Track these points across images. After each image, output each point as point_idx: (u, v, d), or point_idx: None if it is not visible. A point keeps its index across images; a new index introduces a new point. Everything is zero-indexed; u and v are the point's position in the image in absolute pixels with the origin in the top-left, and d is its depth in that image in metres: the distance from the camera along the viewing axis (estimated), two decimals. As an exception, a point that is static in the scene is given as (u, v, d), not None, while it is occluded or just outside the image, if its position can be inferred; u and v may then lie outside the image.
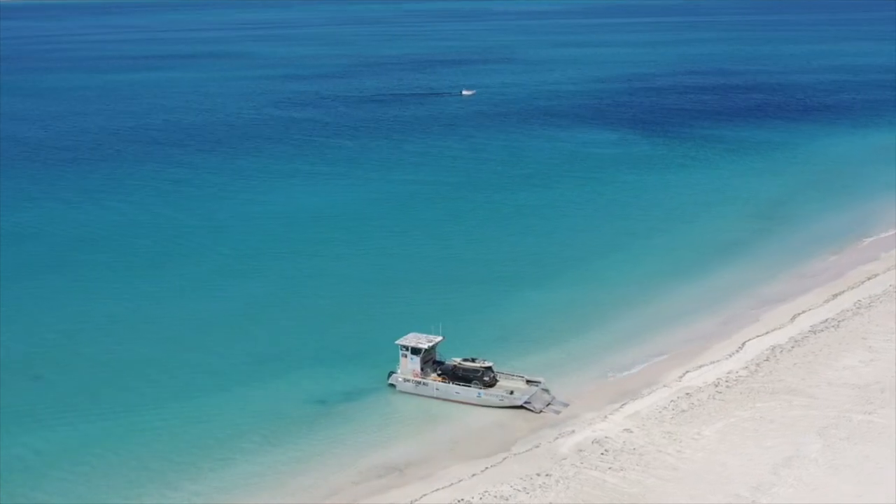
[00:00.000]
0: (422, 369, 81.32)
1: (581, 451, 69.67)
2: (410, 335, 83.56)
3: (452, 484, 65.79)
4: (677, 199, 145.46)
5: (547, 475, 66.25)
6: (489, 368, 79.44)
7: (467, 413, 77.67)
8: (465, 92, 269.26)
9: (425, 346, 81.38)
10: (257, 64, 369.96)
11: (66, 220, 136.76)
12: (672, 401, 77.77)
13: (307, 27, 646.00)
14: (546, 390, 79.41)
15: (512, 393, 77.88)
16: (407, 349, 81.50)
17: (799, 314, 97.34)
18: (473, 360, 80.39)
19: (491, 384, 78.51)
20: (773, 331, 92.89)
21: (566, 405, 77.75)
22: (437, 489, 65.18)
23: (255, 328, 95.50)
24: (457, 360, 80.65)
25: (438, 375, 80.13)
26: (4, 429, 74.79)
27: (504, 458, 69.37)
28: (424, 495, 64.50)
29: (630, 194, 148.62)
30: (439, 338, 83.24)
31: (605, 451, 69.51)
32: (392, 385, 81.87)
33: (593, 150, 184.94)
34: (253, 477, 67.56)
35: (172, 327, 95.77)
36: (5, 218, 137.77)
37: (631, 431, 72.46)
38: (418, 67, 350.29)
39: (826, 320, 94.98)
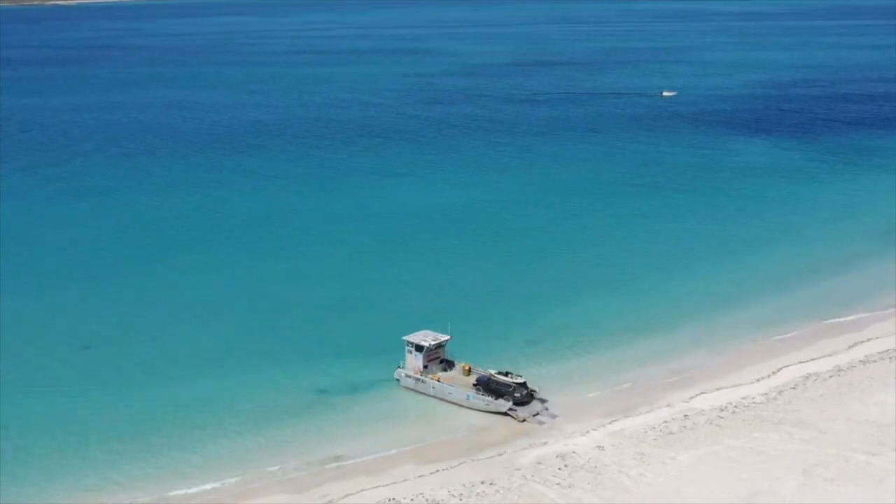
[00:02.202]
0: (425, 367, 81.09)
1: (540, 463, 67.68)
2: (421, 332, 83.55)
3: (395, 483, 65.70)
4: (798, 214, 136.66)
5: (491, 484, 64.89)
6: (522, 385, 76.66)
7: (456, 414, 77.21)
8: (665, 93, 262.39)
9: (427, 343, 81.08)
10: (442, 61, 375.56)
11: (169, 206, 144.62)
12: (665, 422, 73.94)
13: (511, 25, 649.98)
14: (541, 400, 77.27)
15: (498, 399, 76.26)
16: (412, 345, 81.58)
17: (861, 342, 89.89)
18: (507, 374, 77.93)
19: (523, 401, 75.76)
20: (820, 357, 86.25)
21: (554, 417, 75.48)
22: (378, 486, 65.30)
23: (292, 318, 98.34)
24: (491, 372, 78.79)
25: (473, 385, 78.27)
26: (41, 391, 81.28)
27: (461, 463, 68.49)
28: (362, 490, 64.84)
29: (749, 206, 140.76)
30: (447, 337, 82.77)
31: (565, 465, 67.17)
32: (397, 380, 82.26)
33: (738, 159, 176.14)
34: (214, 458, 70.34)
35: (218, 310, 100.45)
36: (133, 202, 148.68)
37: (603, 449, 69.55)
38: (621, 66, 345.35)
39: (886, 351, 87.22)
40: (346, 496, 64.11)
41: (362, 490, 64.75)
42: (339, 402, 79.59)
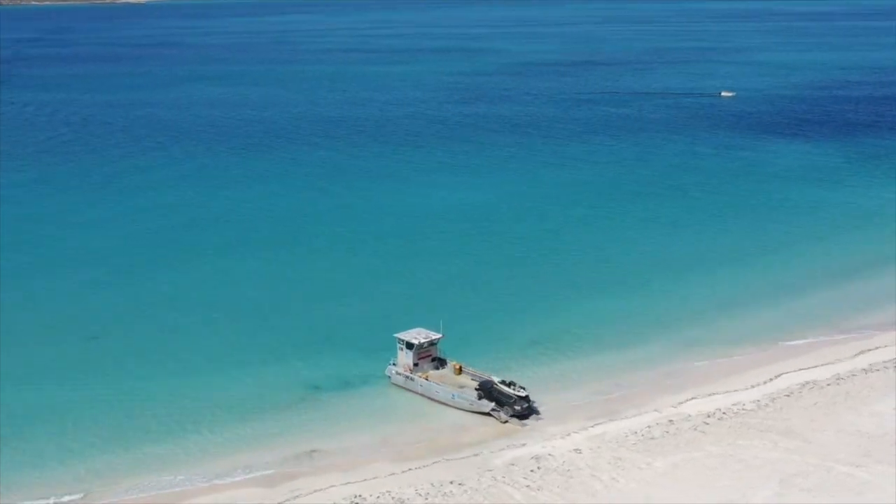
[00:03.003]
0: (415, 364, 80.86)
1: (513, 465, 67.05)
2: (414, 330, 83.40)
3: (366, 480, 65.57)
4: (824, 219, 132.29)
5: (459, 484, 64.45)
6: (524, 398, 74.64)
7: (441, 412, 76.78)
8: (724, 93, 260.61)
9: (417, 341, 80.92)
10: (491, 60, 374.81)
11: (195, 205, 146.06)
12: (649, 426, 72.70)
13: (569, 25, 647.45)
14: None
15: (481, 399, 75.71)
16: (403, 343, 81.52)
17: (868, 350, 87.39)
18: (511, 385, 75.78)
19: (523, 415, 74.07)
20: (822, 365, 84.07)
21: (539, 419, 74.61)
22: (348, 483, 65.24)
23: (295, 314, 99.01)
24: (494, 380, 76.82)
25: (476, 389, 76.70)
26: (38, 378, 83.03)
27: (435, 462, 68.13)
28: (331, 486, 64.82)
29: (774, 211, 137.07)
30: (438, 335, 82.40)
31: (538, 468, 66.46)
32: (388, 377, 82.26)
33: (776, 161, 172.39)
34: (192, 451, 70.49)
35: (225, 306, 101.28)
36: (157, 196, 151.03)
37: (580, 452, 68.66)
38: (680, 66, 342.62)
39: (892, 360, 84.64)
40: (314, 492, 64.18)
41: (332, 486, 64.76)
42: (328, 397, 79.72)
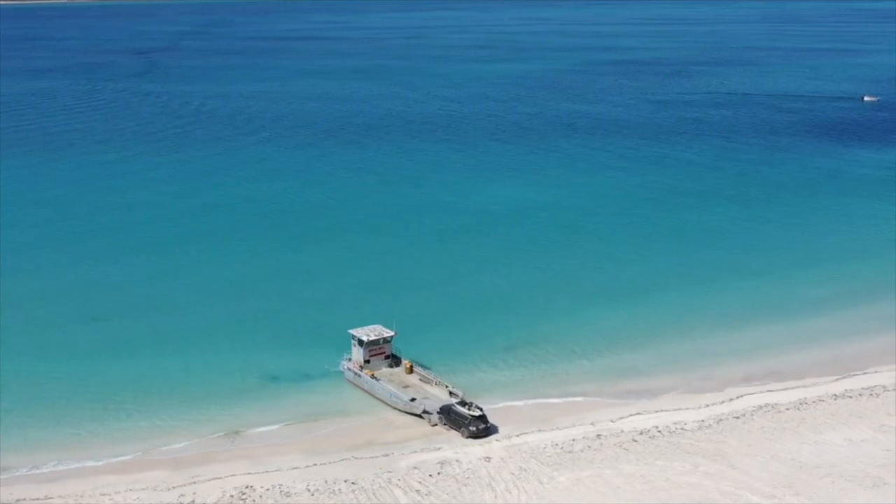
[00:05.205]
0: (367, 361, 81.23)
1: (416, 468, 66.62)
2: (369, 326, 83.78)
3: (267, 472, 66.58)
4: (873, 234, 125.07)
5: (353, 483, 64.58)
6: (479, 418, 72.28)
7: (378, 410, 76.98)
8: (866, 98, 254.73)
9: (368, 338, 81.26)
10: (606, 58, 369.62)
11: (241, 194, 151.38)
12: (573, 440, 70.70)
13: (711, 24, 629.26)
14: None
15: (413, 400, 75.39)
16: (355, 339, 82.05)
17: (849, 375, 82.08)
18: (467, 406, 73.53)
19: (478, 435, 71.66)
20: (793, 388, 79.73)
21: (469, 424, 73.62)
22: (249, 473, 66.38)
23: (287, 306, 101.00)
24: (454, 400, 74.99)
25: (437, 413, 74.08)
26: (27, 357, 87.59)
27: (343, 459, 68.48)
28: (232, 475, 66.06)
29: (820, 223, 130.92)
30: (391, 332, 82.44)
31: (439, 473, 65.82)
32: (342, 372, 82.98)
33: (858, 170, 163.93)
34: (127, 431, 73.44)
35: (226, 295, 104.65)
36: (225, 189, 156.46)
37: (489, 460, 67.54)
38: (823, 69, 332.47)
39: (872, 387, 79.24)
40: (212, 479, 65.46)
41: (232, 475, 65.85)
42: (279, 388, 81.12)
